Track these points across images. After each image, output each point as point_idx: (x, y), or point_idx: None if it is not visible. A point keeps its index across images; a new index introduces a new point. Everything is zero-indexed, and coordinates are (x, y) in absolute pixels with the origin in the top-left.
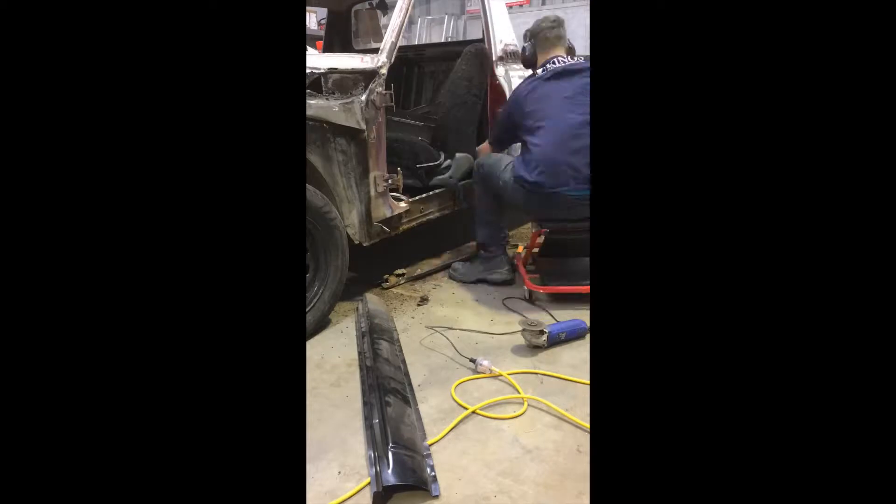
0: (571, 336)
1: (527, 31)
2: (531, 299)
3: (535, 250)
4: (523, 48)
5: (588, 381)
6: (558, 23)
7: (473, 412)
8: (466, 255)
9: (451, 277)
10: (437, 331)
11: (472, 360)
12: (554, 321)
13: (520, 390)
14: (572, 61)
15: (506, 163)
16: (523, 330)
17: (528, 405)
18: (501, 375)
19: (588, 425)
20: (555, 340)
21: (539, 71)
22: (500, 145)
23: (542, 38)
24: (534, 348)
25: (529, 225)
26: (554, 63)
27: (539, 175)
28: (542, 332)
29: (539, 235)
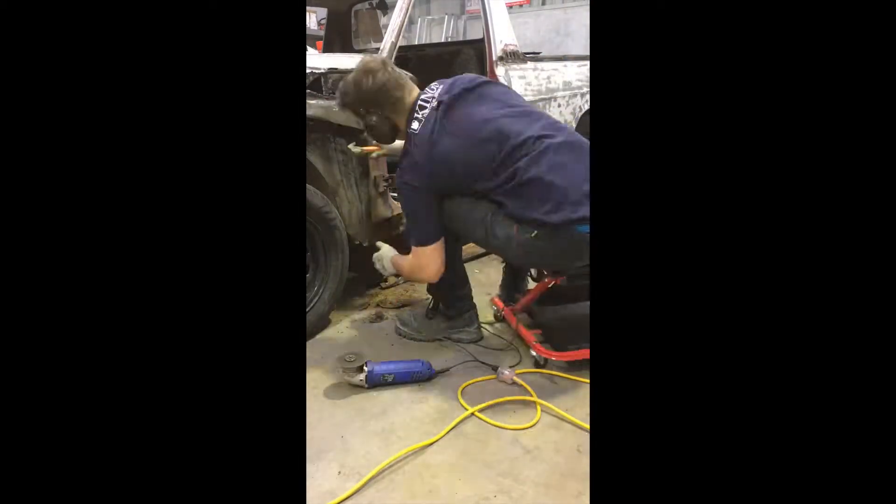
0: (403, 379)
1: (346, 94)
2: (544, 365)
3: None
4: (372, 126)
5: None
6: (381, 65)
7: (473, 414)
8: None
9: (400, 334)
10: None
11: (494, 368)
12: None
13: (534, 395)
14: (444, 86)
15: (486, 214)
16: (342, 369)
17: (529, 406)
18: (527, 390)
19: (588, 426)
20: (377, 382)
21: (416, 125)
22: (430, 232)
23: (382, 93)
24: (353, 387)
25: (497, 260)
26: (425, 102)
27: (555, 213)
28: (360, 370)
29: (550, 284)
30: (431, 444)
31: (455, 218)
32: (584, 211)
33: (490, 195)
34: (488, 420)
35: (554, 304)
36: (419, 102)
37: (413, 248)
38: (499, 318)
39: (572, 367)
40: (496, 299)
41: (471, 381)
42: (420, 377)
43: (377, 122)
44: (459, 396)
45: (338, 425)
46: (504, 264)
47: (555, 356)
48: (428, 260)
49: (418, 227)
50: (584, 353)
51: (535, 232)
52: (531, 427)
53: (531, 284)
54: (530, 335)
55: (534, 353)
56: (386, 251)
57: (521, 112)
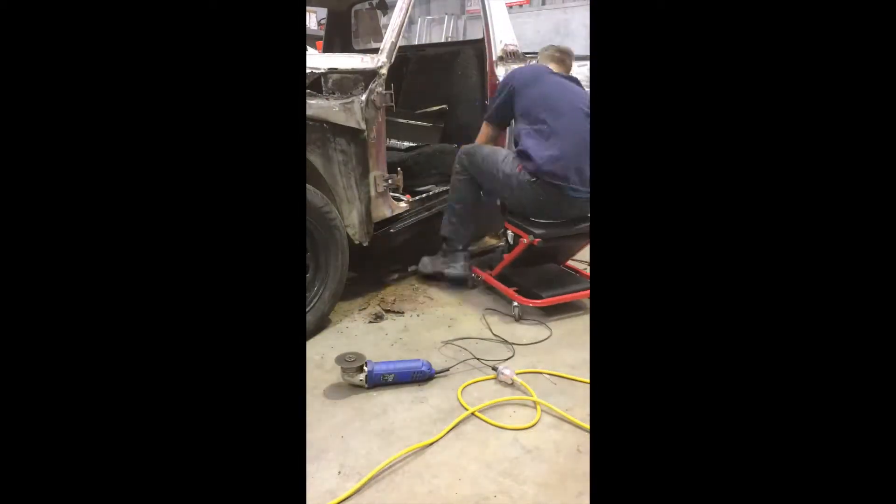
0: (402, 379)
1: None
2: (521, 317)
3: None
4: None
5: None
6: (565, 52)
7: (473, 414)
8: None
9: (417, 270)
10: (452, 343)
11: (494, 368)
12: (548, 331)
13: (533, 394)
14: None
15: (503, 155)
16: (342, 368)
17: (528, 406)
18: (527, 391)
19: (588, 426)
20: (377, 382)
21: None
22: (499, 121)
23: (545, 55)
24: (353, 387)
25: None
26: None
27: (552, 164)
28: (360, 370)
29: (526, 245)
30: (431, 444)
31: (483, 158)
32: (577, 182)
33: (519, 131)
34: (488, 420)
35: (522, 268)
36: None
37: (486, 122)
38: (476, 283)
39: (546, 313)
40: (475, 268)
41: (470, 382)
42: (420, 377)
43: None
44: (459, 396)
45: (338, 425)
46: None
47: (532, 303)
48: (483, 131)
49: (490, 111)
50: (556, 300)
51: (535, 179)
52: (531, 427)
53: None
54: (509, 290)
55: (515, 304)
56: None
57: (584, 102)
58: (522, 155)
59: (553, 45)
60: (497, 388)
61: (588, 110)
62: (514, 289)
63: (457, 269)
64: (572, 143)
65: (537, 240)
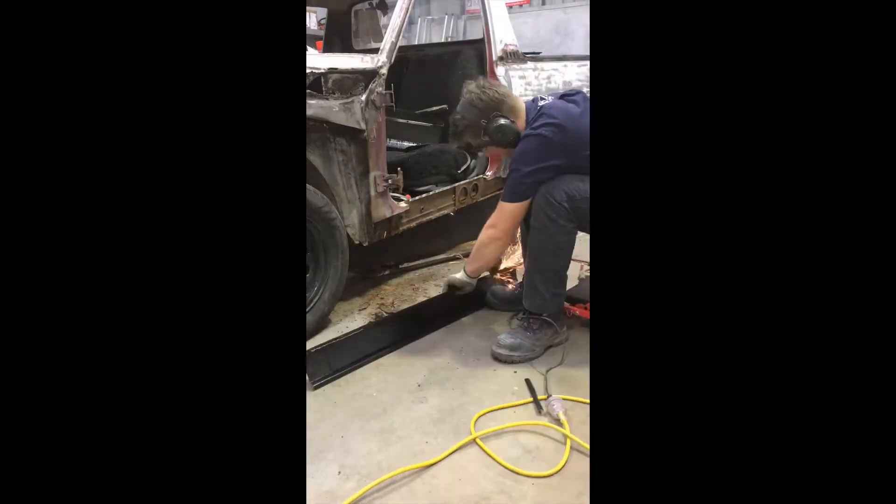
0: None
1: (464, 118)
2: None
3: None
4: (498, 129)
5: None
6: (487, 85)
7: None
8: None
9: (499, 359)
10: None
11: (537, 403)
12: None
13: (567, 432)
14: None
15: (568, 182)
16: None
17: (541, 432)
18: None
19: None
20: None
21: (546, 103)
22: (528, 190)
23: (497, 102)
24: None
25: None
26: (540, 100)
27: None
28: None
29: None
30: (430, 466)
31: (583, 194)
32: None
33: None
34: (491, 453)
35: None
36: (538, 101)
37: (499, 203)
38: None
39: (569, 366)
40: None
41: (489, 410)
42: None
43: (505, 126)
44: (463, 395)
45: (338, 425)
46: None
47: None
48: (504, 215)
49: (518, 176)
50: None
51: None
52: (531, 426)
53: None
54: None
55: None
56: (460, 276)
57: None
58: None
59: (479, 91)
60: (506, 388)
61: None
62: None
63: (563, 333)
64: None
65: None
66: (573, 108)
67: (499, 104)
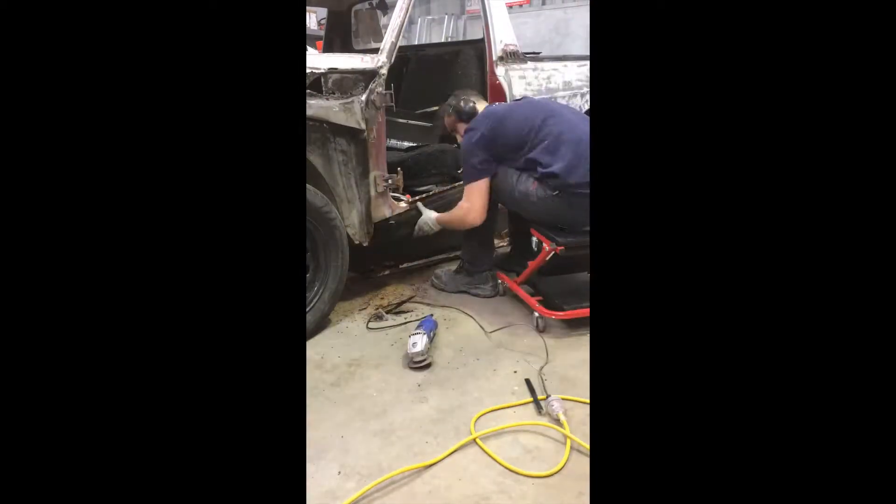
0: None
1: (450, 100)
2: (544, 329)
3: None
4: (458, 105)
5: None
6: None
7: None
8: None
9: (434, 285)
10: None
11: (537, 403)
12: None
13: (567, 432)
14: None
15: (513, 176)
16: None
17: (541, 432)
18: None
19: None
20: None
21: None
22: (483, 170)
23: (472, 97)
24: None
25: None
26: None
27: (570, 173)
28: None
29: (549, 253)
30: (430, 466)
31: (501, 192)
32: None
33: (524, 162)
34: (491, 453)
35: (551, 276)
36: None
37: (465, 188)
38: (502, 291)
39: (570, 325)
40: (500, 273)
41: (489, 410)
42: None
43: (469, 105)
44: (472, 427)
45: (338, 425)
46: (510, 242)
47: (554, 315)
48: (473, 196)
49: (474, 166)
50: (579, 313)
51: (557, 192)
52: (531, 426)
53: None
54: (531, 299)
55: (536, 314)
56: (428, 214)
57: (561, 105)
58: (542, 177)
59: (464, 92)
60: (505, 389)
61: (559, 106)
62: (538, 298)
63: (486, 290)
64: (578, 145)
65: (560, 248)
66: (499, 110)
67: (468, 101)
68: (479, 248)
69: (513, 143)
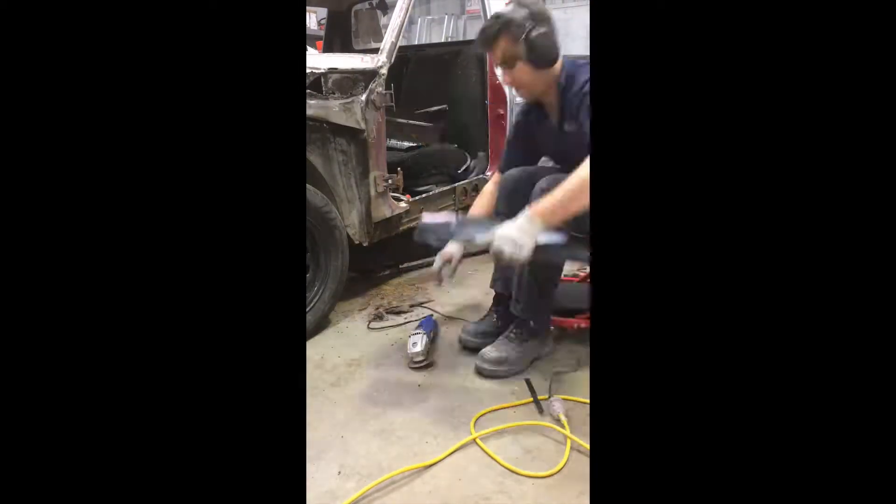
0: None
1: (506, 16)
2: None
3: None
4: (540, 36)
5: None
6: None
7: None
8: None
9: (482, 373)
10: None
11: (538, 403)
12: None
13: (567, 432)
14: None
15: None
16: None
17: (541, 432)
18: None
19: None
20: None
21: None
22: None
23: (545, 16)
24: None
25: None
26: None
27: None
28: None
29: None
30: (430, 466)
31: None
32: None
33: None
34: (491, 454)
35: None
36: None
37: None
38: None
39: (567, 366)
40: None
41: (489, 410)
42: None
43: (550, 39)
44: (472, 427)
45: (338, 425)
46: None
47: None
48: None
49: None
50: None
51: None
52: (531, 426)
53: None
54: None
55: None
56: (508, 227)
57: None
58: None
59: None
60: (507, 390)
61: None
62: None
63: (549, 344)
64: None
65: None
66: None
67: (546, 20)
68: (542, 293)
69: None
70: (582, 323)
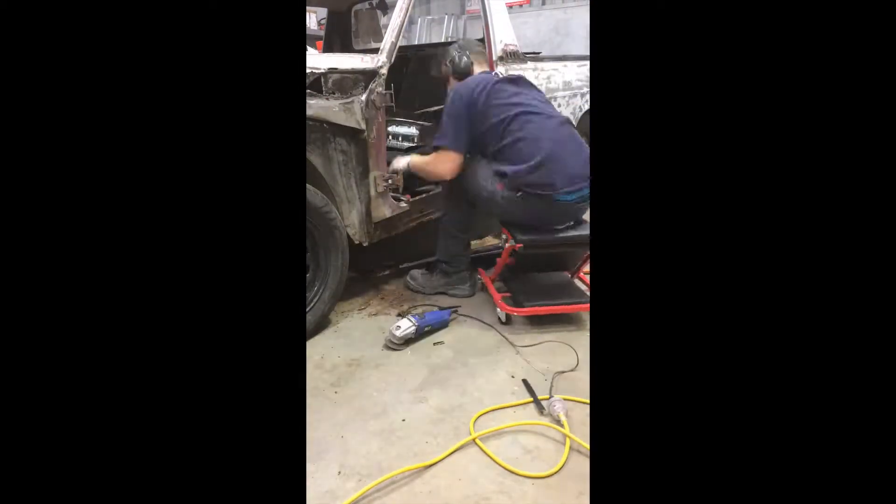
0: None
1: (452, 48)
2: (507, 322)
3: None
4: (454, 58)
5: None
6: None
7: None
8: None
9: (408, 287)
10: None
11: (538, 403)
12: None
13: (567, 432)
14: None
15: (483, 173)
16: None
17: (541, 432)
18: (568, 435)
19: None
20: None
21: (477, 70)
22: (458, 144)
23: (473, 52)
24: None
25: (491, 238)
26: (490, 73)
27: (531, 174)
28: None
29: (512, 249)
30: (430, 466)
31: (467, 174)
32: (568, 186)
33: (491, 153)
34: (491, 454)
35: (525, 274)
36: (485, 74)
37: (439, 149)
38: (480, 287)
39: (532, 322)
40: (480, 269)
41: (489, 409)
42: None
43: (464, 61)
44: (472, 426)
45: (338, 425)
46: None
47: (515, 311)
48: (448, 160)
49: (450, 134)
50: (539, 310)
51: (520, 193)
52: (531, 426)
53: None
54: (497, 295)
55: (498, 310)
56: (401, 159)
57: (542, 100)
58: (501, 174)
59: (469, 42)
60: (506, 389)
61: (541, 101)
62: (505, 294)
63: (464, 290)
64: (548, 146)
65: (519, 245)
66: (488, 82)
67: (464, 55)
68: (456, 246)
69: (486, 131)
70: (526, 312)
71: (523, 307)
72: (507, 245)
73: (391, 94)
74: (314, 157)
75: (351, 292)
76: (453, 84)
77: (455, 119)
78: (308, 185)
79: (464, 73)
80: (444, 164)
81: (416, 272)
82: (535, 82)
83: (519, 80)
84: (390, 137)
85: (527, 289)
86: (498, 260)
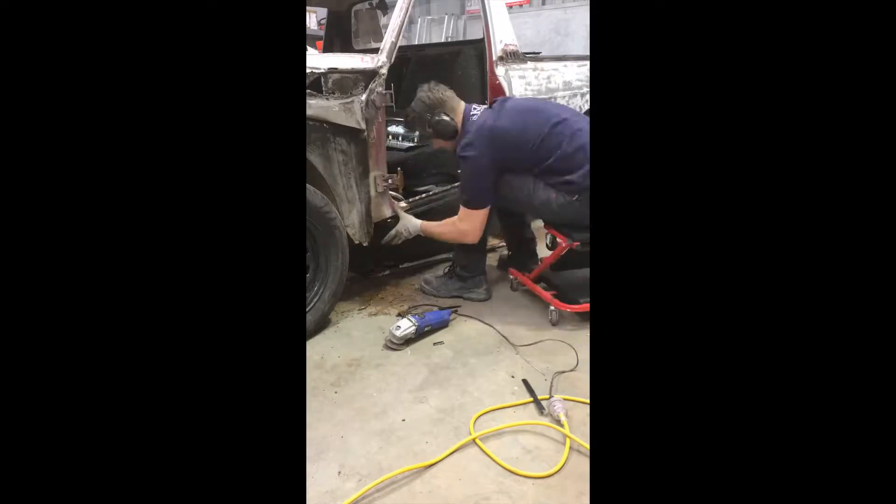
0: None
1: (415, 110)
2: (557, 321)
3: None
4: (438, 122)
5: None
6: (434, 87)
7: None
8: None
9: (422, 291)
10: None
11: (538, 403)
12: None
13: (567, 432)
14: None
15: (531, 185)
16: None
17: (541, 432)
18: (569, 436)
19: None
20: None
21: (474, 117)
22: (484, 197)
23: (440, 101)
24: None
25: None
26: (475, 108)
27: (587, 178)
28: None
29: (564, 249)
30: (430, 466)
31: (504, 185)
32: None
33: (532, 170)
34: (491, 454)
35: (562, 270)
36: (471, 109)
37: (465, 209)
38: (515, 287)
39: (572, 326)
40: (512, 270)
41: (489, 409)
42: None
43: (444, 122)
44: (472, 426)
45: (338, 425)
46: (507, 242)
47: (570, 308)
48: (478, 219)
49: (474, 192)
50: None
51: (577, 196)
52: (531, 426)
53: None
54: (546, 294)
55: (552, 308)
56: (409, 221)
57: (556, 105)
58: (562, 184)
59: (426, 90)
60: (506, 387)
61: (554, 112)
62: (553, 293)
63: (480, 293)
64: (587, 148)
65: (576, 243)
66: (489, 119)
67: (441, 103)
68: (473, 253)
69: (525, 157)
70: (581, 308)
71: (578, 303)
72: (562, 244)
73: (391, 94)
74: (314, 157)
75: (351, 292)
76: (450, 144)
77: (486, 172)
78: (308, 185)
79: (453, 132)
80: (471, 222)
81: (430, 276)
82: (535, 82)
83: (507, 100)
84: (390, 137)
85: (572, 285)
86: (544, 259)
